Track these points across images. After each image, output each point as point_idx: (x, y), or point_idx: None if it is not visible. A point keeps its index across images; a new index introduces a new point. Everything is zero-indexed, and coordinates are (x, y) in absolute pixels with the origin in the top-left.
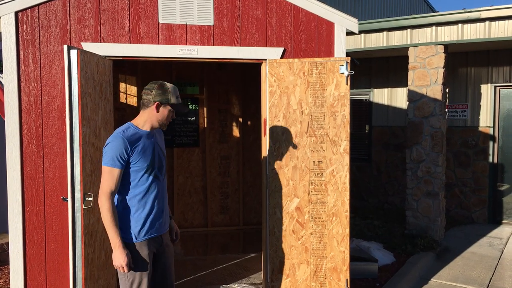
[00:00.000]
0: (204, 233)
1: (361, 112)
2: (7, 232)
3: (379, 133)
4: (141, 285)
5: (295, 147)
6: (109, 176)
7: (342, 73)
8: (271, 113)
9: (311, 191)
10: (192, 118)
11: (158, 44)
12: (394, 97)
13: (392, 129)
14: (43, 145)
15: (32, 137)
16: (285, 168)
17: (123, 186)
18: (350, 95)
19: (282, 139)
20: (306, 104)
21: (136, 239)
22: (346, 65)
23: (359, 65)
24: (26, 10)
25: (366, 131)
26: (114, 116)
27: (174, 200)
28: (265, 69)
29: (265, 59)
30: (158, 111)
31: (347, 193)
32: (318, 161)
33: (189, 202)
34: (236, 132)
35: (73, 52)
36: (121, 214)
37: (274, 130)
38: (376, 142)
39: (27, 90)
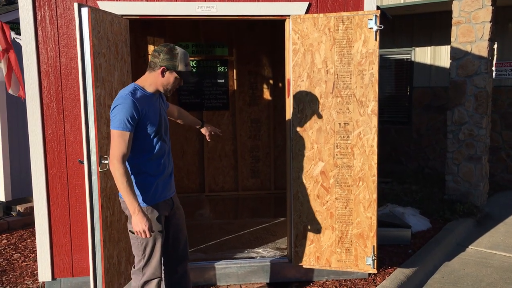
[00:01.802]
0: (235, 197)
1: (401, 72)
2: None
3: (421, 94)
4: (154, 248)
5: (319, 108)
6: (120, 139)
7: (371, 28)
8: (295, 72)
9: (337, 155)
10: (222, 81)
11: (176, 1)
12: (438, 56)
13: (434, 90)
14: (63, 107)
15: (52, 100)
16: (309, 131)
17: (131, 150)
18: (389, 54)
19: (306, 100)
20: (331, 63)
21: (147, 203)
22: (375, 19)
23: (392, 20)
24: None
25: (407, 92)
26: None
27: (204, 164)
28: (288, 26)
29: (289, 15)
30: (163, 76)
31: (375, 157)
32: (344, 123)
33: (220, 166)
34: (266, 94)
35: (84, 10)
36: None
37: (298, 90)
38: (417, 103)
39: (45, 52)
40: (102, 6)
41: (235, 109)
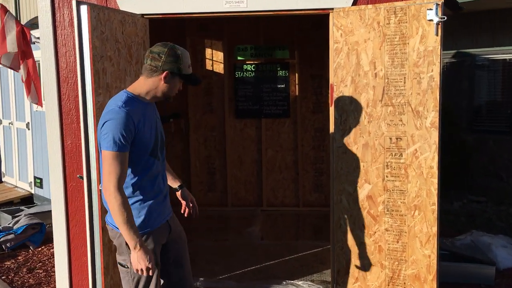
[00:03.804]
0: (294, 214)
1: (503, 75)
2: None
3: None
4: (150, 284)
5: (366, 119)
6: (115, 162)
7: (430, 20)
8: (337, 76)
9: (387, 176)
10: (282, 86)
11: None
12: None
13: None
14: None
15: (71, 108)
16: (353, 146)
17: None
18: (487, 54)
19: (350, 109)
20: (380, 64)
21: (140, 230)
22: (437, 8)
23: (492, 14)
24: None
25: (510, 98)
26: (200, 84)
27: (262, 176)
28: (331, 22)
29: (332, 9)
30: (166, 82)
31: (435, 181)
32: (396, 138)
33: (279, 178)
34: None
35: (83, 8)
36: None
37: (340, 97)
38: None
39: (64, 56)
40: (122, 5)
41: (297, 116)
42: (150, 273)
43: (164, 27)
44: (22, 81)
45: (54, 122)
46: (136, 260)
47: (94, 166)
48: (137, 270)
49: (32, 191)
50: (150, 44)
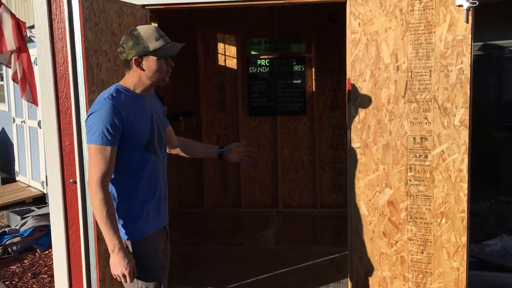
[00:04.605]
0: (311, 215)
1: None
2: None
3: None
4: None
5: (387, 117)
6: (99, 156)
7: (460, 6)
8: (354, 70)
9: (410, 180)
10: (298, 81)
11: None
12: None
13: None
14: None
15: (69, 106)
16: (373, 147)
17: (115, 169)
18: None
19: (369, 106)
20: (403, 56)
21: (137, 235)
22: None
23: None
24: None
25: None
26: (212, 81)
27: (278, 176)
28: (349, 10)
29: None
30: (142, 69)
31: (465, 186)
32: (421, 138)
33: (296, 178)
34: None
35: None
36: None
37: (358, 93)
38: None
39: (61, 51)
40: None
41: (314, 113)
42: (128, 281)
43: (175, 21)
44: (13, 79)
45: (51, 122)
46: (113, 264)
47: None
48: (115, 276)
49: (44, 191)
50: None
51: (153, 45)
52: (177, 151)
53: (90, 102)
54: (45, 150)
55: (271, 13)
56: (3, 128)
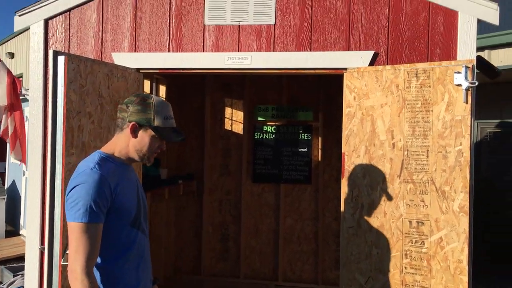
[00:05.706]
0: None
1: None
2: None
3: None
4: None
5: (381, 197)
6: (85, 237)
7: (459, 85)
8: (349, 145)
9: (405, 268)
10: (304, 150)
11: (203, 51)
12: None
13: None
14: None
15: None
16: (366, 228)
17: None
18: None
19: (363, 184)
20: (399, 133)
21: None
22: (466, 72)
23: (500, 75)
24: (56, 16)
25: None
26: (217, 145)
27: (279, 246)
28: (345, 83)
29: (346, 69)
30: (135, 136)
31: (465, 279)
32: (417, 222)
33: (298, 250)
34: None
35: (60, 59)
36: None
37: (352, 170)
38: None
39: None
40: (117, 59)
41: (319, 183)
42: None
43: (185, 85)
44: (1, 136)
45: (36, 183)
46: None
47: (58, 238)
48: None
49: None
50: None
51: (159, 121)
52: None
53: (67, 165)
54: (27, 214)
55: (280, 80)
56: (13, 181)
